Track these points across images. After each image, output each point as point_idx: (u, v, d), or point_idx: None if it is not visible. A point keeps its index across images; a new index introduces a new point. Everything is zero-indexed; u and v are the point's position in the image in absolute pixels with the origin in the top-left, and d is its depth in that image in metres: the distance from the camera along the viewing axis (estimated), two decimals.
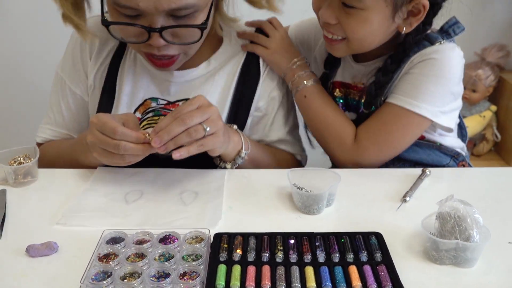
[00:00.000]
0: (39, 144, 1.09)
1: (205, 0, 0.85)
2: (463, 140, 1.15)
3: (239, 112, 1.02)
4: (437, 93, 0.95)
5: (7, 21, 2.09)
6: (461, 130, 1.16)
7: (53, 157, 1.02)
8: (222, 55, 1.03)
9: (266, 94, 1.05)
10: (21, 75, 2.15)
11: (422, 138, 1.04)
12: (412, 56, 0.96)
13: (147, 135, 0.81)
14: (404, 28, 0.94)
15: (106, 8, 0.87)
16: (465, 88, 2.02)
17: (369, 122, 1.00)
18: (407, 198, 0.86)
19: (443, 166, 1.06)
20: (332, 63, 1.10)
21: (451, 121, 1.00)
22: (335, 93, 1.10)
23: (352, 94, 1.08)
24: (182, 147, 0.80)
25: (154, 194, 0.88)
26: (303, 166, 1.12)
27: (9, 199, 0.86)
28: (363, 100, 1.05)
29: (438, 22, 0.98)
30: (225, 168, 0.96)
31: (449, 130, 1.02)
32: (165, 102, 1.01)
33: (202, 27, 0.86)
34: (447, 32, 0.97)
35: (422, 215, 0.74)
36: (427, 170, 0.94)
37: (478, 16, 2.05)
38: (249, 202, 0.86)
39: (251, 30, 1.07)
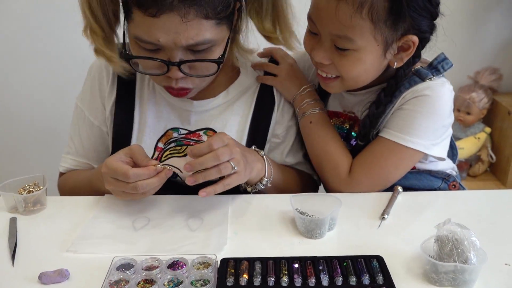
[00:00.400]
0: (61, 174, 1.13)
1: (222, 35, 0.89)
2: (454, 160, 1.18)
3: (256, 139, 1.06)
4: (430, 128, 0.98)
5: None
6: (452, 150, 1.18)
7: (71, 187, 1.06)
8: (240, 85, 1.07)
9: (285, 122, 1.09)
10: (28, 105, 2.19)
11: (412, 168, 1.06)
12: (404, 92, 0.99)
13: (158, 165, 0.85)
14: (396, 63, 0.96)
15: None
16: (459, 110, 2.08)
17: (363, 156, 1.02)
18: (386, 216, 0.90)
19: (435, 189, 1.09)
20: (323, 93, 1.13)
21: (443, 150, 1.03)
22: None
23: (343, 123, 1.11)
24: (209, 186, 0.86)
25: (161, 221, 0.90)
26: (318, 186, 1.16)
27: (19, 227, 0.88)
28: (354, 130, 1.09)
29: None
30: (245, 190, 0.99)
31: (441, 159, 1.05)
32: (186, 131, 1.05)
33: (218, 61, 0.90)
34: (437, 68, 1.00)
35: (421, 239, 0.77)
36: (398, 188, 0.98)
37: (471, 41, 2.12)
38: (253, 227, 0.89)
39: (265, 60, 1.11)
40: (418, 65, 1.01)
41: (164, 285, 0.71)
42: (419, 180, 1.08)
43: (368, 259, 0.78)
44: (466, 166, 2.08)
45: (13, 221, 0.89)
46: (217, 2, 0.84)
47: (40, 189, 0.93)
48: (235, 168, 0.86)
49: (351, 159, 1.03)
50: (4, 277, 0.75)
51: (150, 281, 0.72)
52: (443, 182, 1.10)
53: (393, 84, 1.00)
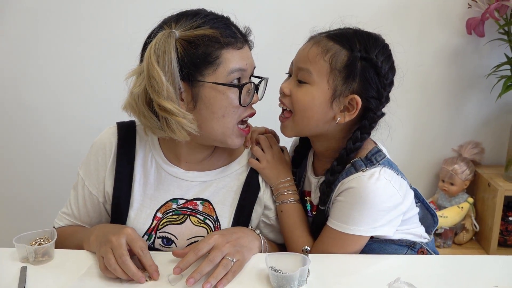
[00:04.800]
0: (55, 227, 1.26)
1: None
2: (434, 227, 1.28)
3: (240, 221, 1.19)
4: (364, 216, 1.07)
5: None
6: (433, 217, 1.28)
7: (62, 240, 1.18)
8: (236, 165, 1.22)
9: (275, 208, 1.23)
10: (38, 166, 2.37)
11: (371, 237, 1.13)
12: (340, 181, 1.10)
13: (147, 279, 1.00)
14: (338, 118, 1.10)
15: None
16: (443, 181, 2.20)
17: (318, 244, 1.15)
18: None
19: None
20: (296, 161, 1.30)
21: (390, 229, 1.12)
22: (305, 199, 1.26)
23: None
24: (222, 279, 0.99)
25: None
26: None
27: (29, 275, 1.01)
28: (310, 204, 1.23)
29: None
30: None
31: (388, 237, 1.14)
32: (183, 201, 1.18)
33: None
34: (371, 160, 1.10)
35: None
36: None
37: (455, 116, 2.27)
38: (232, 282, 1.00)
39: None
40: (357, 157, 1.12)
41: None
42: (383, 249, 1.15)
43: None
44: (451, 234, 2.16)
45: (23, 270, 1.02)
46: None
47: (49, 242, 1.07)
48: (234, 261, 1.01)
49: (313, 244, 1.17)
50: None
51: None
52: (409, 249, 1.19)
53: (344, 154, 1.12)
